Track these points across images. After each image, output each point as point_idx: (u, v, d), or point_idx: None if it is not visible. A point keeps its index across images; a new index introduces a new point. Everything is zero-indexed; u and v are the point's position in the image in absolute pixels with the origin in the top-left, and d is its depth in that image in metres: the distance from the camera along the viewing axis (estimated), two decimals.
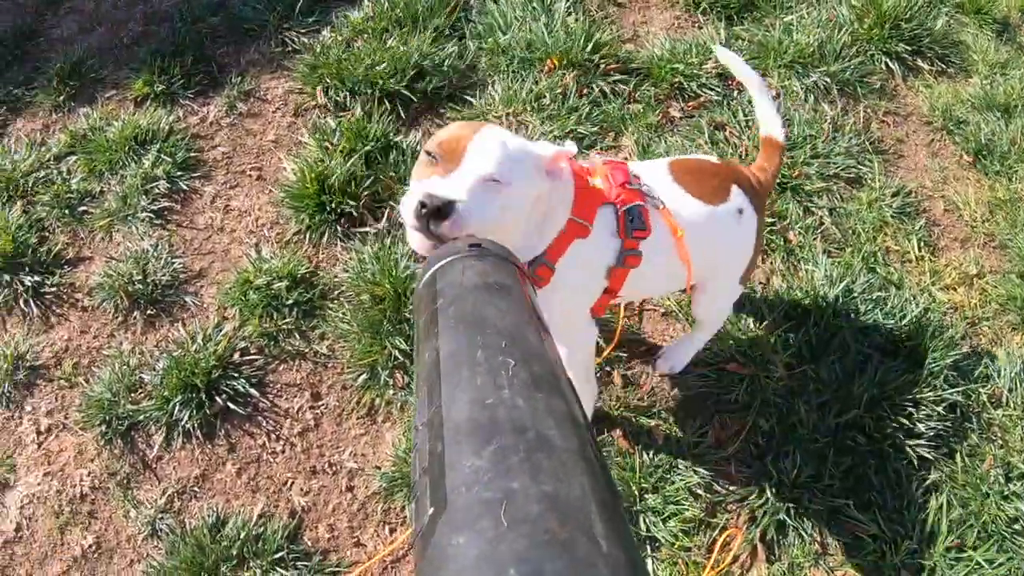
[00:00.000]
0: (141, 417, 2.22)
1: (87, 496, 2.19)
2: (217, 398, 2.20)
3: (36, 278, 2.50)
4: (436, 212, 1.18)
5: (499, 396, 0.74)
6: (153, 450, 2.22)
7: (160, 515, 2.13)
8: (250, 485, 2.15)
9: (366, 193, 2.45)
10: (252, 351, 2.29)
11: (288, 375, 2.27)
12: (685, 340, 2.10)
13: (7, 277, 2.50)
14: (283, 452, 2.19)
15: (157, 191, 2.57)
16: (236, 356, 2.26)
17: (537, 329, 0.91)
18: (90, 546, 2.13)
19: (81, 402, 2.31)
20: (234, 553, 1.99)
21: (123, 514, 2.14)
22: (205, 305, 2.40)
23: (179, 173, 2.60)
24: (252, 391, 2.22)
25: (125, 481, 2.19)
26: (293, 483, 2.15)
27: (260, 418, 2.22)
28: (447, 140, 1.31)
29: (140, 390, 2.26)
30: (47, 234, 2.61)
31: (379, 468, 2.13)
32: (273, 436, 2.20)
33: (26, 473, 2.24)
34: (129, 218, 2.56)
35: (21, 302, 2.48)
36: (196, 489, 2.15)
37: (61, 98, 2.87)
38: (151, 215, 2.55)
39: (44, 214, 2.63)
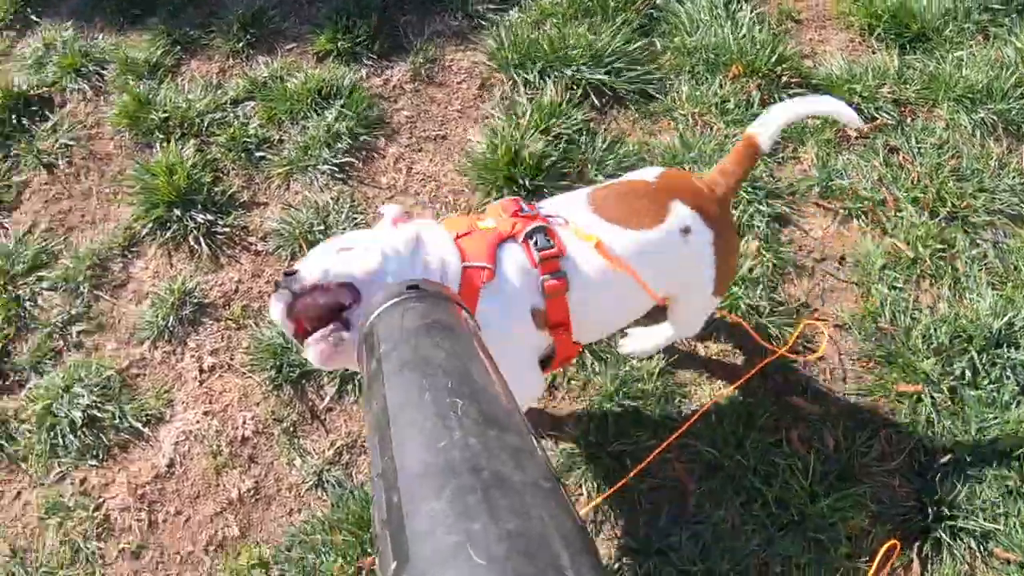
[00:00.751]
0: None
1: (248, 440, 2.12)
2: None
3: (209, 217, 2.46)
4: (285, 275, 1.22)
5: (450, 438, 0.72)
6: (324, 401, 2.15)
7: (327, 467, 2.05)
8: None
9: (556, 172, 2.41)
10: None
11: None
12: (654, 331, 2.01)
13: (178, 212, 2.46)
14: None
15: (340, 146, 2.52)
16: None
17: (483, 364, 0.89)
18: (248, 490, 2.06)
19: (250, 345, 2.25)
20: None
21: (286, 462, 2.07)
22: None
23: (361, 131, 2.55)
24: None
25: (291, 429, 2.12)
26: None
27: None
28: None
29: None
30: (221, 175, 2.57)
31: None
32: None
33: (184, 409, 2.18)
34: (309, 169, 2.52)
35: (191, 239, 2.43)
36: (367, 445, 2.08)
37: (240, 45, 2.84)
38: (333, 168, 2.50)
39: (219, 155, 2.59)
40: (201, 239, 2.42)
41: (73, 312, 2.35)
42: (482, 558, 0.59)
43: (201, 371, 2.24)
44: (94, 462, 2.13)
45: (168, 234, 2.44)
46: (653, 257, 1.49)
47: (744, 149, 1.63)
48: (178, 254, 2.44)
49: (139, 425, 2.15)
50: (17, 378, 2.27)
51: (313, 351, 1.22)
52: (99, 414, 2.17)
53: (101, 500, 2.09)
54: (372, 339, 0.96)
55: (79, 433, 2.15)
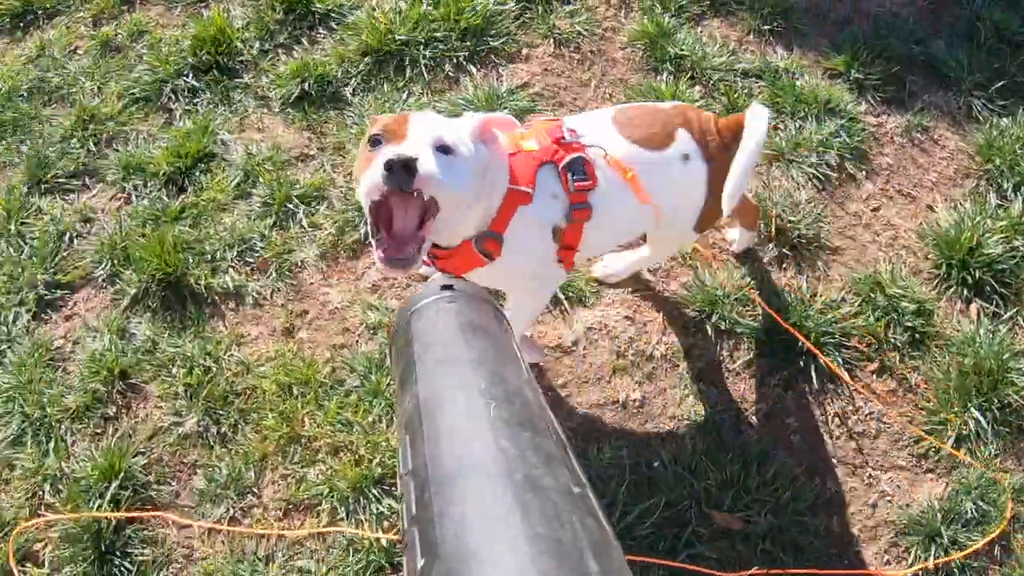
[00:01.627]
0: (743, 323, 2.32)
1: (654, 358, 2.30)
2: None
3: None
4: (404, 168, 1.20)
5: (483, 439, 0.71)
6: (735, 364, 2.31)
7: (717, 415, 2.20)
8: None
9: None
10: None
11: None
12: (628, 255, 2.18)
13: None
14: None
15: (826, 158, 2.66)
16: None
17: (516, 366, 0.87)
18: (634, 400, 2.23)
19: (690, 281, 2.43)
20: None
21: (679, 396, 2.23)
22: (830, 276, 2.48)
23: (847, 155, 2.68)
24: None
25: (696, 371, 2.28)
26: None
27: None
28: (388, 123, 1.37)
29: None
30: None
31: None
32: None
33: (608, 305, 2.39)
34: (793, 164, 2.68)
35: None
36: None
37: (763, 27, 3.01)
38: (815, 174, 2.64)
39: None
40: None
41: None
42: (511, 560, 0.59)
43: (638, 281, 2.45)
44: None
45: None
46: (654, 178, 1.59)
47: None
48: None
49: (561, 296, 2.36)
50: None
51: (402, 252, 1.30)
52: None
53: None
54: (406, 337, 0.96)
55: None
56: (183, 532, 2.16)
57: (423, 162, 1.25)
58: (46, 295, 2.54)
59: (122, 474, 2.21)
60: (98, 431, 2.33)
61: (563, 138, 1.55)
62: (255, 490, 2.13)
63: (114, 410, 2.33)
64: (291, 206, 2.54)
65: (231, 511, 2.13)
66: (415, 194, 1.26)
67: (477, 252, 1.51)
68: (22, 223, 2.67)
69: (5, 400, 2.41)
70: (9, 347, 2.50)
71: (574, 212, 1.55)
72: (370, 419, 2.19)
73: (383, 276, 2.41)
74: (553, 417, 0.83)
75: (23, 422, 2.37)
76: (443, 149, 1.32)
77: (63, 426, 2.33)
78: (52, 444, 2.31)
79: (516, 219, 1.51)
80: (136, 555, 2.11)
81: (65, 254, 2.60)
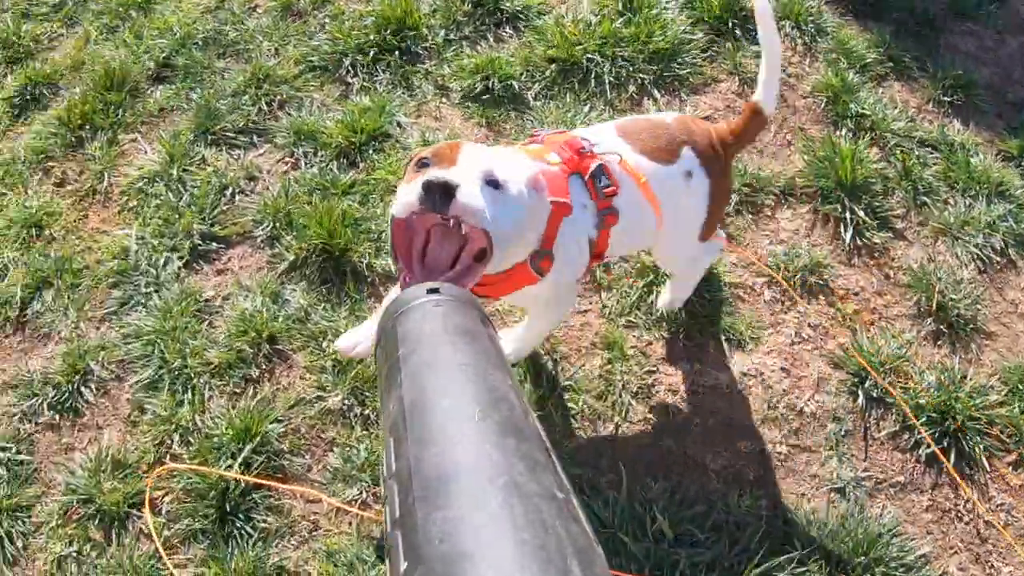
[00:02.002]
0: None
1: (803, 414, 2.21)
2: None
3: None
4: (443, 191, 1.15)
5: (467, 444, 0.71)
6: (880, 433, 2.22)
7: (854, 483, 2.11)
8: None
9: None
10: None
11: None
12: (670, 285, 2.16)
13: (844, 198, 2.59)
14: None
15: (992, 241, 2.58)
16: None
17: (502, 371, 0.87)
18: (779, 453, 2.14)
19: (847, 342, 2.35)
20: None
21: (823, 457, 2.14)
22: (981, 361, 2.39)
23: (1012, 241, 2.60)
24: None
25: (842, 435, 2.20)
26: None
27: None
28: (439, 148, 1.33)
29: None
30: (886, 194, 2.69)
31: None
32: None
33: (766, 353, 2.31)
34: (957, 241, 2.60)
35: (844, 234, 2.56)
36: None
37: (943, 98, 2.95)
38: (977, 255, 2.56)
39: (891, 174, 2.71)
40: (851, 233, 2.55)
41: None
42: (494, 565, 0.59)
43: (797, 335, 2.38)
44: (664, 334, 2.30)
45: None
46: (658, 190, 1.61)
47: (747, 114, 1.75)
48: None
49: (706, 337, 2.30)
50: None
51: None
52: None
53: (655, 369, 2.25)
54: (391, 339, 0.95)
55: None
56: (310, 506, 2.09)
57: (465, 191, 1.19)
58: (200, 245, 2.50)
59: (257, 438, 2.13)
60: (237, 391, 2.27)
61: (582, 148, 1.55)
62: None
63: (257, 373, 2.27)
64: None
65: (363, 495, 2.06)
66: (453, 223, 1.20)
67: (532, 271, 1.50)
68: (184, 169, 2.64)
69: (145, 343, 2.36)
70: (156, 291, 2.45)
71: (606, 218, 1.57)
72: None
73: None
74: (538, 422, 0.82)
75: (161, 368, 2.32)
76: (492, 183, 1.28)
77: (202, 379, 2.28)
78: (188, 395, 2.25)
79: (563, 235, 1.51)
80: (259, 520, 2.05)
81: (225, 208, 2.56)
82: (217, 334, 2.35)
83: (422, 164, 1.32)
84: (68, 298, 2.54)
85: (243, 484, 2.10)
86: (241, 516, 2.07)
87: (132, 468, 2.22)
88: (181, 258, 2.48)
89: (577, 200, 1.53)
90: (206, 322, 2.38)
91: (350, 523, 2.06)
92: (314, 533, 2.05)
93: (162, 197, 2.59)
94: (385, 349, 0.97)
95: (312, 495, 2.08)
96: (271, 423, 2.18)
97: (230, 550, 2.03)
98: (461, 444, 0.72)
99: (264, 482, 2.10)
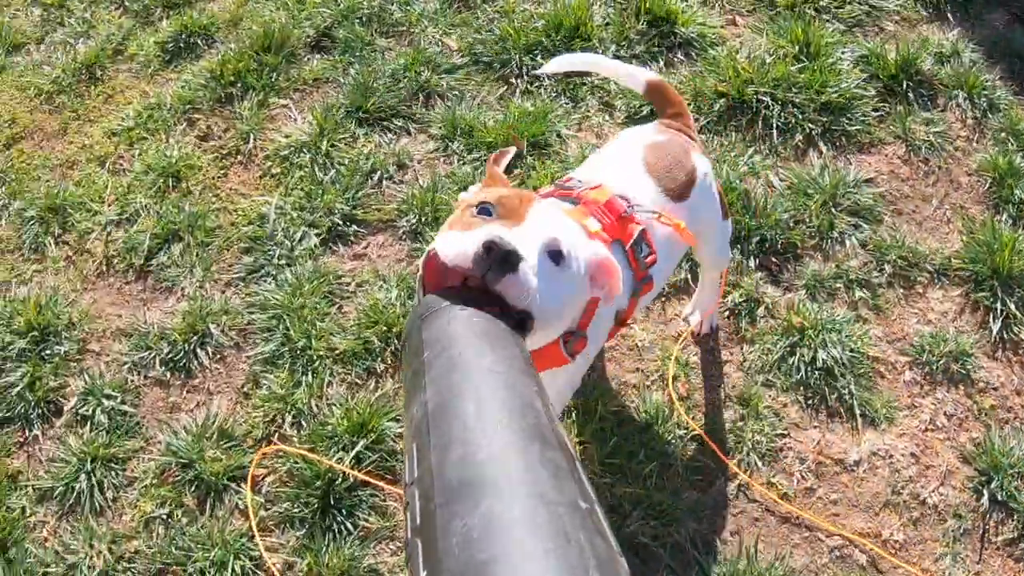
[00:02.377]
0: None
1: (926, 505, 2.06)
2: None
3: None
4: (503, 259, 0.99)
5: (491, 451, 0.69)
6: (999, 537, 2.04)
7: None
8: None
9: None
10: None
11: None
12: (702, 294, 2.10)
13: None
14: None
15: None
16: None
17: (528, 377, 0.85)
18: (895, 541, 2.00)
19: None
20: None
21: (937, 553, 1.99)
22: None
23: None
24: None
25: (959, 535, 2.03)
26: None
27: None
28: (508, 197, 1.17)
29: None
30: None
31: None
32: None
33: (898, 435, 2.15)
34: None
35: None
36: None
37: None
38: None
39: None
40: None
41: None
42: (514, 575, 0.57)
43: (932, 422, 2.22)
44: (800, 398, 2.17)
45: None
46: (692, 214, 1.57)
47: (655, 94, 1.79)
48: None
49: (841, 408, 2.16)
50: None
51: None
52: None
53: (786, 433, 2.11)
54: (416, 343, 0.93)
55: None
56: None
57: (527, 267, 1.04)
58: (339, 225, 2.42)
59: (373, 435, 2.04)
60: (358, 381, 2.18)
61: (623, 213, 1.42)
62: None
63: (381, 367, 2.18)
64: None
65: None
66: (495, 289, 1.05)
67: (564, 353, 1.34)
68: (333, 145, 2.57)
69: (271, 316, 2.28)
70: (289, 265, 2.37)
71: (642, 286, 1.47)
72: (641, 470, 2.00)
73: (694, 332, 2.22)
74: (563, 430, 0.79)
75: (283, 344, 2.24)
76: (554, 255, 1.14)
77: (324, 364, 2.19)
78: (307, 377, 2.17)
79: (596, 313, 1.38)
80: (360, 519, 1.96)
81: (370, 191, 2.47)
82: (346, 320, 2.26)
83: (483, 210, 1.15)
84: (196, 255, 2.47)
85: (351, 479, 2.01)
86: (344, 511, 1.99)
87: (238, 441, 2.15)
88: (319, 235, 2.40)
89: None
90: (336, 306, 2.30)
91: None
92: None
93: (307, 169, 2.51)
94: (410, 353, 0.95)
95: None
96: (389, 421, 2.08)
97: (326, 543, 1.95)
98: (484, 450, 0.70)
99: (374, 480, 2.00)
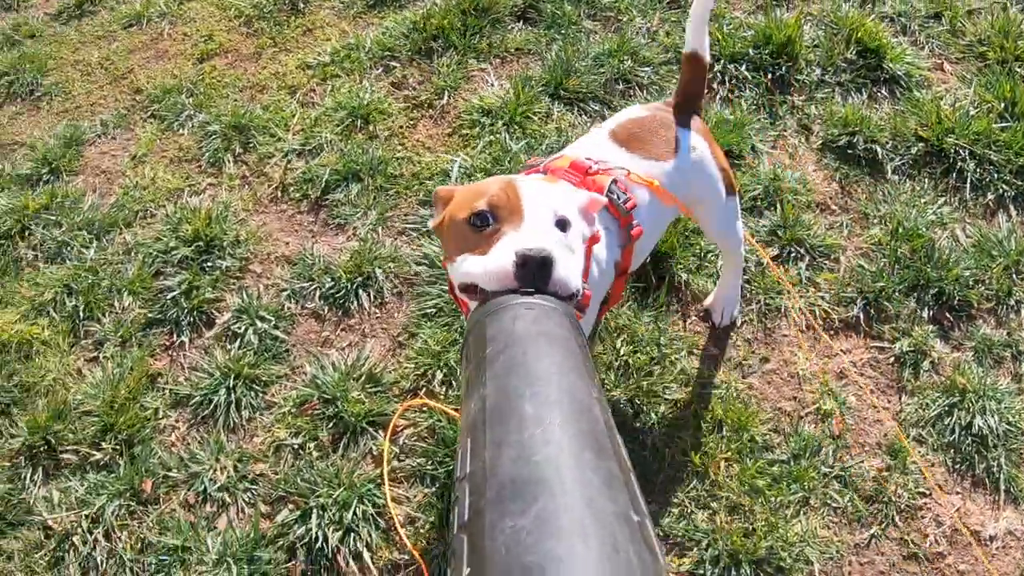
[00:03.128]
0: None
1: None
2: None
3: None
4: (541, 265, 1.02)
5: (546, 453, 0.69)
6: None
7: None
8: None
9: None
10: None
11: None
12: (724, 283, 2.08)
13: None
14: None
15: None
16: None
17: (587, 382, 0.85)
18: None
19: None
20: None
21: None
22: None
23: None
24: None
25: None
26: None
27: None
28: (497, 196, 1.16)
29: None
30: None
31: None
32: None
33: None
34: None
35: None
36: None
37: None
38: None
39: None
40: None
41: None
42: None
43: None
44: (949, 460, 2.02)
45: None
46: (677, 181, 1.60)
47: (689, 67, 1.72)
48: None
49: (987, 480, 2.02)
50: None
51: None
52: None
53: (928, 493, 1.97)
54: (479, 339, 0.92)
55: None
56: None
57: (562, 264, 1.07)
58: None
59: None
60: None
61: (590, 169, 1.46)
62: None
63: None
64: (798, 249, 2.25)
65: None
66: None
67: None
68: (526, 116, 2.52)
69: (440, 273, 2.24)
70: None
71: (631, 233, 1.49)
72: (780, 499, 1.91)
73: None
74: (620, 440, 0.78)
75: (446, 302, 2.20)
76: (561, 224, 1.17)
77: None
78: None
79: (593, 265, 1.43)
80: None
81: None
82: None
83: (482, 219, 1.16)
84: (374, 199, 2.46)
85: None
86: None
87: (384, 388, 2.12)
88: None
89: (601, 224, 1.44)
90: None
91: None
92: None
93: (498, 136, 2.47)
94: (473, 346, 0.94)
95: None
96: None
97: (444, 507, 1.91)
98: (540, 452, 0.70)
99: None
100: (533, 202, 1.16)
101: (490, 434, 0.75)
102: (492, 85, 2.65)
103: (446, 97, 2.62)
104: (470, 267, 1.13)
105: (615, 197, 1.46)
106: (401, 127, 2.61)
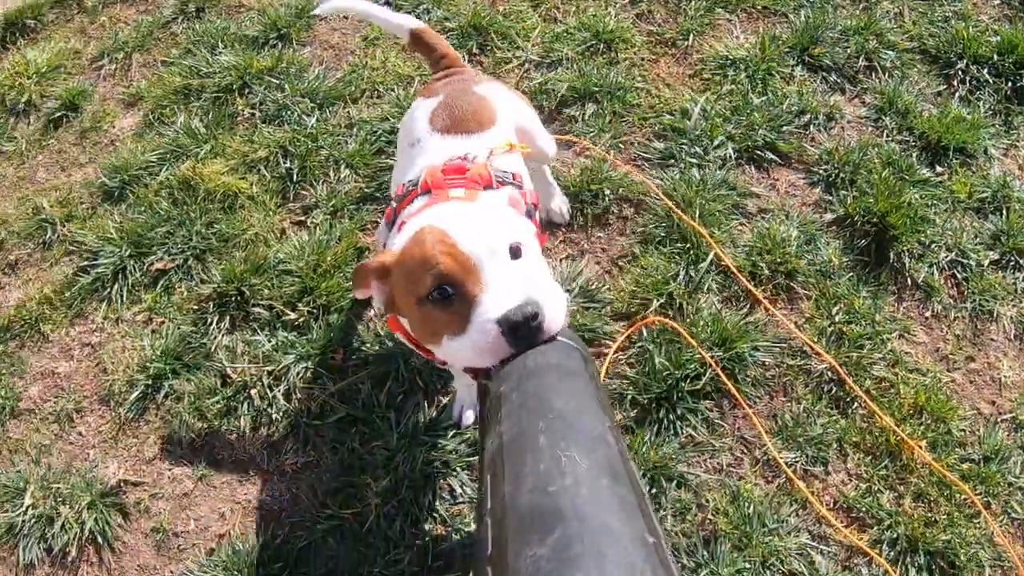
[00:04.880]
0: None
1: None
2: None
3: None
4: (530, 321, 0.99)
5: (562, 483, 0.72)
6: None
7: None
8: None
9: None
10: None
11: None
12: (548, 187, 2.23)
13: None
14: None
15: None
16: None
17: (600, 413, 0.87)
18: None
19: None
20: None
21: None
22: None
23: None
24: None
25: None
26: None
27: None
28: (447, 265, 1.06)
29: None
30: None
31: None
32: None
33: None
34: None
35: None
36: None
37: None
38: None
39: None
40: None
41: None
42: None
43: None
44: None
45: None
46: (509, 128, 1.64)
47: (419, 44, 1.86)
48: None
49: None
50: None
51: None
52: None
53: None
54: (494, 376, 0.95)
55: None
56: (743, 444, 1.98)
57: (548, 311, 1.03)
58: (758, 148, 2.43)
59: (730, 352, 2.06)
60: (732, 299, 2.19)
61: (466, 166, 1.43)
62: (822, 455, 1.95)
63: (763, 295, 2.16)
64: (1018, 259, 2.27)
65: (799, 463, 1.95)
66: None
67: None
68: (769, 73, 2.56)
69: (665, 210, 2.29)
70: (699, 165, 2.37)
71: (532, 203, 1.47)
72: (964, 497, 1.92)
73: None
74: (634, 466, 0.81)
75: (673, 232, 2.32)
76: (515, 252, 1.09)
77: (707, 269, 2.20)
78: (686, 274, 2.23)
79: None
80: (690, 425, 2.02)
81: (795, 130, 2.47)
82: (739, 237, 2.26)
83: (443, 294, 1.07)
84: (608, 122, 2.52)
85: (703, 380, 2.03)
86: (679, 409, 2.01)
87: (599, 307, 2.20)
88: (737, 151, 2.40)
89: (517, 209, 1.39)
90: (736, 220, 2.30)
91: (773, 480, 1.95)
92: (729, 471, 1.94)
93: (740, 86, 2.52)
94: (488, 385, 0.98)
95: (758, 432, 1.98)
96: (750, 346, 2.07)
97: (650, 434, 1.98)
98: (556, 483, 0.72)
99: (730, 385, 2.00)
100: (480, 248, 1.07)
101: (508, 468, 0.78)
102: (738, 37, 2.68)
103: (690, 39, 2.66)
104: (460, 352, 1.07)
105: (504, 179, 1.44)
106: (643, 59, 2.65)
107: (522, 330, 1.00)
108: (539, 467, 0.76)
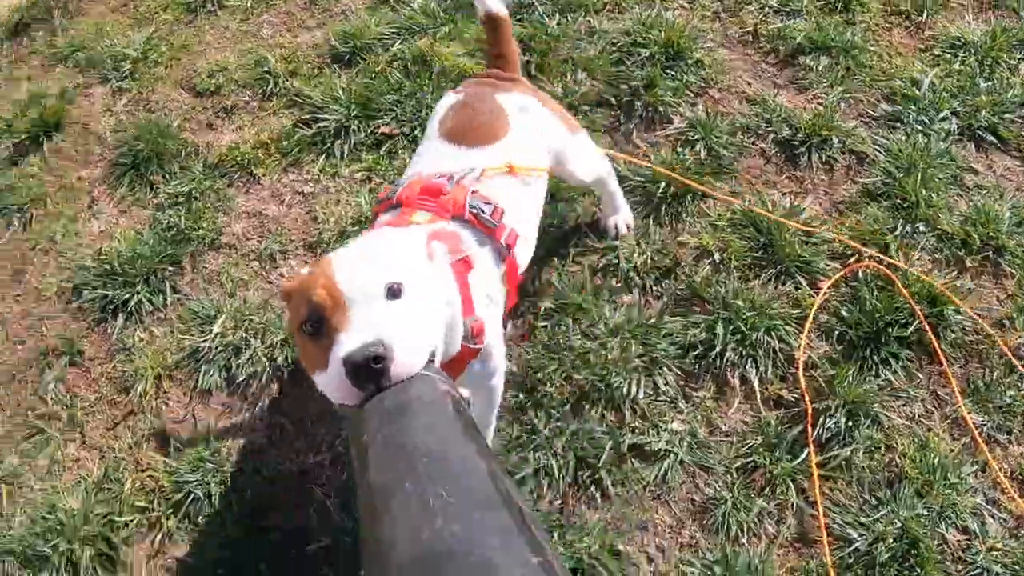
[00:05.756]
0: None
1: None
2: None
3: None
4: (372, 366, 0.96)
5: (432, 527, 0.70)
6: None
7: None
8: None
9: None
10: None
11: None
12: (605, 206, 2.22)
13: None
14: None
15: None
16: None
17: (465, 439, 0.85)
18: None
19: None
20: None
21: None
22: None
23: None
24: None
25: None
26: None
27: None
28: (318, 296, 1.06)
29: None
30: None
31: None
32: None
33: None
34: None
35: None
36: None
37: None
38: None
39: None
40: None
41: None
42: None
43: None
44: None
45: None
46: (523, 146, 1.59)
47: (493, 29, 1.76)
48: None
49: None
50: None
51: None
52: None
53: None
54: (356, 424, 0.94)
55: None
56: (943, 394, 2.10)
57: (398, 355, 0.99)
58: (979, 129, 2.53)
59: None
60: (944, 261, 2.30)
61: (444, 188, 1.41)
62: (1008, 423, 1.99)
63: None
64: None
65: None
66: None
67: (470, 347, 1.31)
68: (996, 60, 2.68)
69: (893, 167, 2.42)
70: (924, 133, 2.51)
71: (506, 243, 1.44)
72: None
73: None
74: (508, 481, 0.80)
75: (890, 187, 2.40)
76: (393, 292, 1.06)
77: (920, 232, 2.33)
78: (902, 228, 2.32)
79: (473, 290, 1.34)
80: (900, 364, 2.10)
81: (1019, 119, 2.59)
82: (956, 206, 2.40)
83: (315, 327, 1.07)
84: (840, 77, 2.66)
85: (908, 330, 2.14)
86: (883, 352, 2.13)
87: (816, 243, 2.31)
88: (960, 127, 2.53)
89: (472, 243, 1.40)
90: (954, 191, 2.43)
91: (959, 438, 1.99)
92: (920, 421, 2.03)
93: (968, 67, 2.62)
94: (353, 433, 0.96)
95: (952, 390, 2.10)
96: (953, 309, 2.20)
97: (852, 370, 2.10)
98: (426, 529, 0.71)
99: (935, 340, 2.12)
100: (352, 285, 1.05)
101: (383, 516, 0.75)
102: (969, 23, 2.80)
103: (924, 15, 2.78)
104: (324, 388, 1.05)
105: (478, 211, 1.39)
106: (877, 25, 2.78)
107: (362, 371, 0.96)
108: (408, 513, 0.73)
